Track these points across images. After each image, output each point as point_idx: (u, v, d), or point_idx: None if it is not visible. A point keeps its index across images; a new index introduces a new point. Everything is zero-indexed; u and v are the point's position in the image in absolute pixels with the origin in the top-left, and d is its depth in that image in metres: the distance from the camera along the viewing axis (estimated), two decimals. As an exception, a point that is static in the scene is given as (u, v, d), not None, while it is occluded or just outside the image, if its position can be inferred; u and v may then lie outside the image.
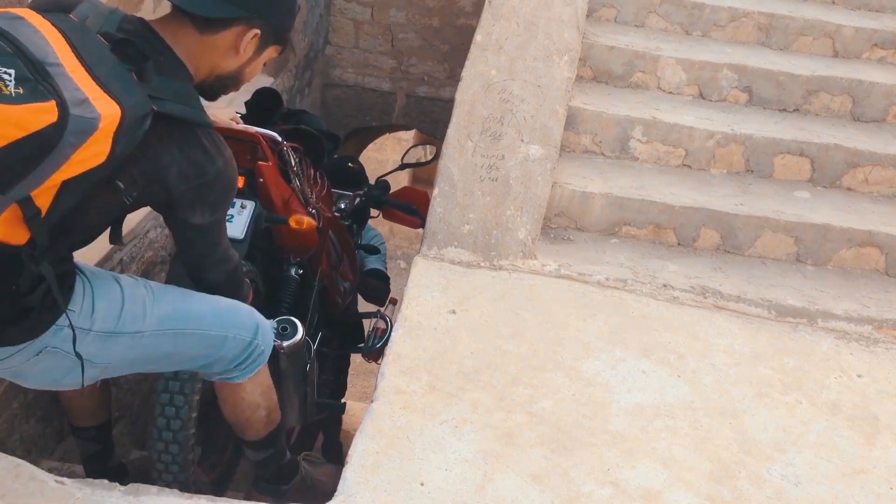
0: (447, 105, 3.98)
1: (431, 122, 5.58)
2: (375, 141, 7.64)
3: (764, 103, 3.24)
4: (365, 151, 6.92)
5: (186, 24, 1.47)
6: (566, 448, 1.85)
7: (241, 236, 1.88)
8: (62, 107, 1.19)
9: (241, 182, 1.72)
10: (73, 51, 1.26)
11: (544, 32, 2.88)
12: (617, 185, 2.79)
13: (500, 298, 2.33)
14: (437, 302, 2.27)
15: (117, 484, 1.63)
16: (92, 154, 1.27)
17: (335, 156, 2.81)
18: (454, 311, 2.25)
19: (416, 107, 5.56)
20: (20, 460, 1.62)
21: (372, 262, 3.16)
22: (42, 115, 1.18)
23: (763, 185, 2.95)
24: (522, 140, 2.64)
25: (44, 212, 1.31)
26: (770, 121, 3.13)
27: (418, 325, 2.17)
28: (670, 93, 3.25)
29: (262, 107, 2.55)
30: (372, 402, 1.91)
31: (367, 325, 2.89)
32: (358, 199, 2.81)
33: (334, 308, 2.70)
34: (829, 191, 2.98)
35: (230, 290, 1.72)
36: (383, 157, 11.27)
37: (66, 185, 1.30)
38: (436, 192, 2.56)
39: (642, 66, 3.24)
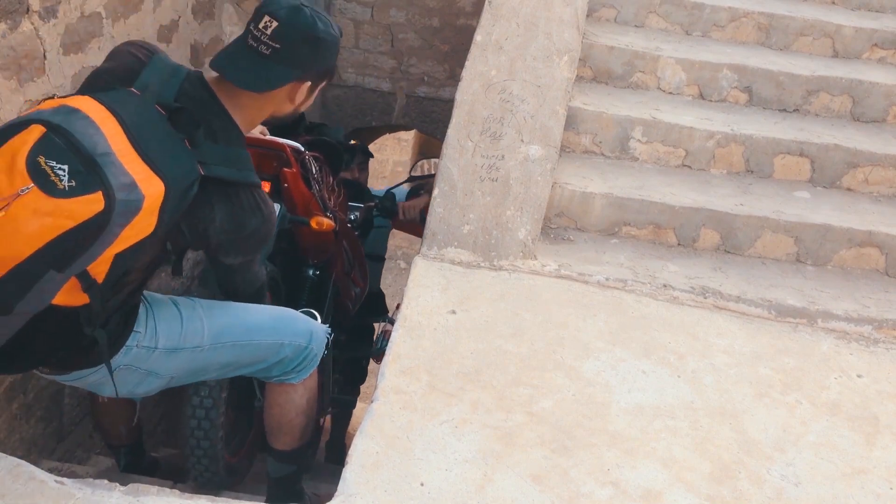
0: (447, 105, 3.98)
1: (431, 122, 5.58)
2: (375, 141, 7.64)
3: (764, 103, 3.24)
4: (365, 151, 6.91)
5: (241, 91, 1.63)
6: (566, 448, 1.85)
7: None
8: (108, 196, 1.36)
9: (267, 187, 1.88)
10: (125, 133, 1.43)
11: (544, 32, 2.88)
12: (617, 185, 2.79)
13: (500, 298, 2.33)
14: (437, 302, 2.27)
15: (117, 484, 1.62)
16: (140, 229, 1.43)
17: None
18: (454, 311, 2.25)
19: (416, 107, 5.56)
20: (20, 460, 1.62)
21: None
22: (91, 205, 1.35)
23: (763, 185, 2.95)
24: (522, 140, 2.64)
25: (100, 280, 1.48)
26: (770, 121, 3.12)
27: (418, 325, 2.17)
28: (670, 93, 3.25)
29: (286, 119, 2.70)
30: (372, 402, 1.91)
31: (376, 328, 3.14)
32: (370, 211, 3.04)
33: (345, 312, 2.83)
34: (829, 191, 2.98)
35: (253, 301, 1.91)
36: (383, 157, 11.28)
37: (119, 256, 1.46)
38: (436, 192, 2.56)
39: (642, 67, 3.24)
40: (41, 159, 1.34)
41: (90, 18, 2.79)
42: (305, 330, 1.97)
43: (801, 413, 2.07)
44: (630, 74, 3.25)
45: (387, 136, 9.13)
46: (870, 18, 3.61)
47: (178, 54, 3.55)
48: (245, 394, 2.38)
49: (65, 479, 1.60)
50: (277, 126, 2.65)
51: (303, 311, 2.19)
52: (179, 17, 3.51)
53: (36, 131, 1.37)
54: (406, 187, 3.38)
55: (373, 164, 11.60)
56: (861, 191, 3.00)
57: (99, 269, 1.46)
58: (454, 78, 4.98)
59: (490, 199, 2.55)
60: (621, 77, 3.25)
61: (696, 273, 2.61)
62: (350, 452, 1.75)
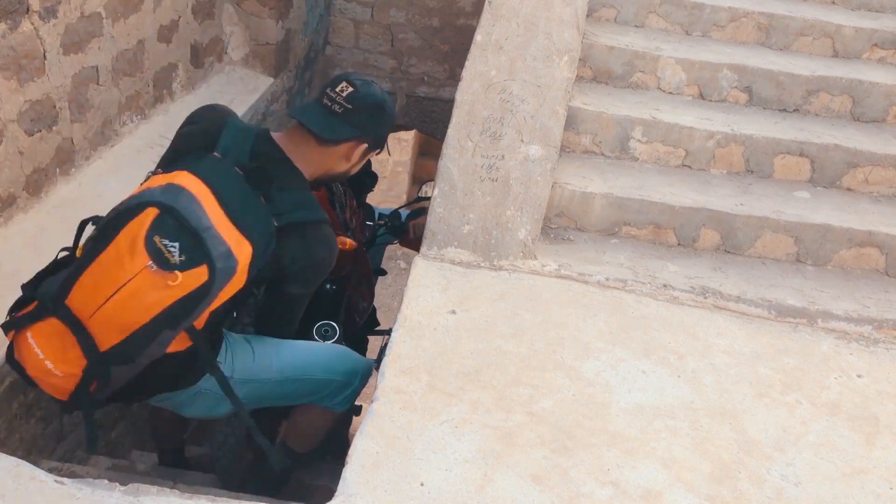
0: (447, 105, 3.98)
1: (431, 122, 5.58)
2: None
3: (764, 103, 3.24)
4: (365, 151, 6.91)
5: (310, 138, 1.92)
6: (566, 448, 1.85)
7: None
8: (212, 267, 1.63)
9: None
10: (218, 202, 1.70)
11: (544, 32, 2.88)
12: (617, 185, 2.79)
13: (500, 298, 2.33)
14: (437, 302, 2.27)
15: (117, 484, 1.63)
16: (233, 286, 1.72)
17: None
18: (454, 311, 2.25)
19: (416, 107, 5.55)
20: (20, 460, 1.62)
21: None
22: (198, 277, 1.63)
23: (763, 185, 2.95)
24: (522, 140, 2.64)
25: (199, 326, 1.76)
26: (770, 121, 3.12)
27: (418, 325, 2.17)
28: (670, 93, 3.25)
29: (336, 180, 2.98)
30: (372, 402, 1.91)
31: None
32: (378, 229, 3.18)
33: (353, 325, 2.95)
34: (829, 191, 2.98)
35: (286, 332, 2.15)
36: (383, 156, 11.24)
37: (216, 308, 1.74)
38: (436, 192, 2.56)
39: (642, 66, 3.24)
40: (157, 239, 1.61)
41: (90, 18, 2.79)
42: (354, 370, 2.27)
43: (801, 413, 2.07)
44: (630, 74, 3.25)
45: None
46: (870, 18, 3.61)
47: (177, 54, 3.55)
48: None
49: (65, 479, 1.60)
50: None
51: (321, 324, 2.46)
52: (179, 17, 3.51)
53: (151, 214, 1.64)
54: (406, 209, 3.46)
55: (373, 164, 11.59)
56: (861, 191, 3.00)
57: (200, 320, 1.75)
58: (454, 78, 4.98)
59: (490, 199, 2.55)
60: (621, 77, 3.25)
61: (696, 273, 2.61)
62: (350, 452, 1.75)
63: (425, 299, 2.28)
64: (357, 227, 2.80)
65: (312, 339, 2.45)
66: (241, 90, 4.02)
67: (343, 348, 2.33)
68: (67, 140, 2.78)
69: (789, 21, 3.48)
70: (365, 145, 2.00)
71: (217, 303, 1.72)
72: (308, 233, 1.87)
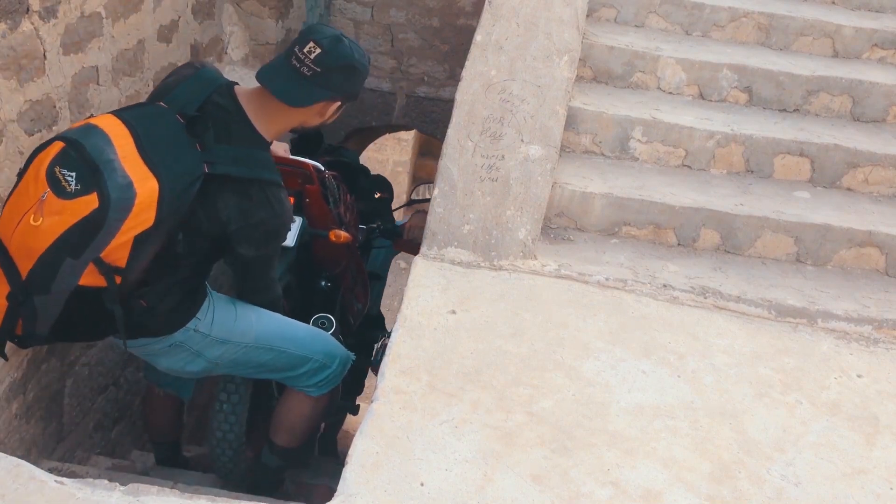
0: (447, 105, 3.98)
1: (431, 122, 5.58)
2: (375, 141, 7.65)
3: (764, 103, 3.23)
4: (365, 151, 6.92)
5: (278, 101, 1.88)
6: (566, 448, 1.85)
7: (292, 244, 2.25)
8: (103, 196, 1.65)
9: (291, 201, 2.06)
10: (135, 142, 1.72)
11: (544, 32, 2.88)
12: (617, 185, 2.79)
13: (500, 298, 2.33)
14: (437, 302, 2.27)
15: (117, 484, 1.63)
16: (139, 221, 1.71)
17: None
18: (454, 311, 2.25)
19: (416, 107, 5.55)
20: (20, 460, 1.62)
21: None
22: (88, 204, 1.65)
23: (763, 185, 2.95)
24: (522, 140, 2.64)
25: (122, 264, 1.75)
26: (770, 121, 3.12)
27: (418, 325, 2.17)
28: (670, 93, 3.25)
29: (306, 141, 3.03)
30: (372, 402, 1.91)
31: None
32: (372, 232, 3.21)
33: (347, 326, 3.01)
34: (829, 191, 2.98)
35: (268, 309, 2.17)
36: (383, 157, 11.28)
37: (135, 244, 1.73)
38: (436, 192, 2.56)
39: (642, 66, 3.24)
40: (57, 169, 1.67)
41: (90, 18, 2.79)
42: (332, 353, 2.30)
43: (801, 413, 2.07)
44: (630, 74, 3.25)
45: (387, 136, 9.12)
46: (870, 18, 3.61)
47: (177, 54, 3.55)
48: (264, 395, 2.66)
49: (65, 479, 1.60)
50: (300, 147, 2.93)
51: (318, 316, 2.53)
52: (179, 17, 3.51)
53: (57, 146, 1.70)
54: (404, 211, 3.47)
55: (373, 164, 11.62)
56: (861, 191, 3.00)
57: (117, 255, 1.73)
58: (454, 78, 4.97)
59: (490, 199, 2.55)
60: (621, 77, 3.25)
61: (696, 273, 2.61)
62: (350, 452, 1.75)
63: (425, 299, 2.28)
64: (351, 222, 2.82)
65: None
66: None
67: (326, 333, 2.35)
68: (67, 140, 2.78)
69: (789, 21, 3.48)
70: (338, 102, 1.98)
71: (126, 236, 1.70)
72: (248, 191, 1.85)
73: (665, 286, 2.49)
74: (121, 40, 3.03)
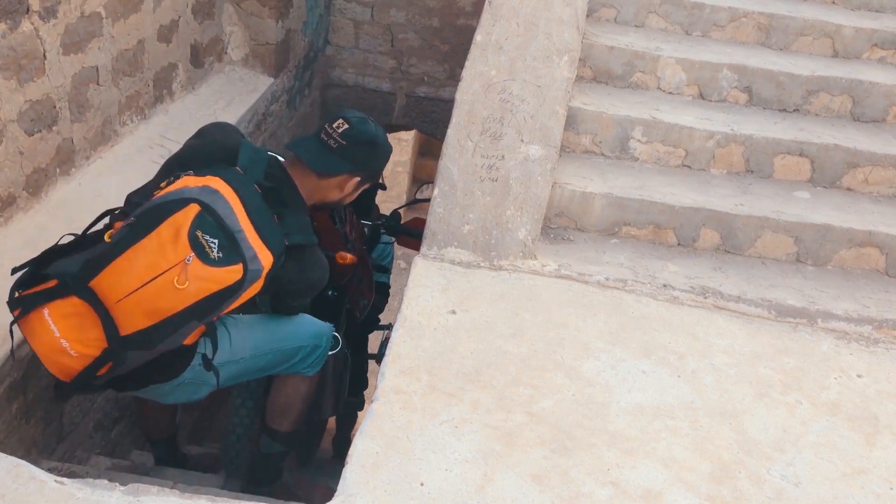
0: (447, 105, 3.98)
1: (431, 122, 5.58)
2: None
3: (764, 103, 3.24)
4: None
5: (309, 172, 2.07)
6: (566, 448, 1.85)
7: None
8: (245, 267, 1.78)
9: None
10: (245, 212, 1.83)
11: (544, 32, 2.88)
12: (617, 185, 2.79)
13: (500, 298, 2.33)
14: (437, 302, 2.27)
15: (117, 484, 1.63)
16: (253, 290, 1.85)
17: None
18: (454, 311, 2.25)
19: (416, 107, 5.55)
20: (20, 460, 1.62)
21: (378, 278, 3.41)
22: (234, 274, 1.78)
23: (763, 185, 2.95)
24: (522, 140, 2.64)
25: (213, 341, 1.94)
26: (770, 121, 3.12)
27: (418, 325, 2.17)
28: (670, 93, 3.25)
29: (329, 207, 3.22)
30: (372, 402, 1.91)
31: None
32: (375, 227, 3.30)
33: (353, 321, 3.09)
34: (829, 191, 2.98)
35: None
36: (383, 158, 11.24)
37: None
38: (436, 192, 2.56)
39: (642, 66, 3.24)
40: (199, 233, 1.75)
41: (90, 18, 2.79)
42: (317, 332, 2.37)
43: (801, 413, 2.07)
44: (630, 74, 3.25)
45: (385, 135, 9.10)
46: (870, 18, 3.61)
47: (177, 54, 3.55)
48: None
49: (65, 479, 1.60)
50: None
51: None
52: (179, 17, 3.51)
53: (194, 209, 1.78)
54: (403, 211, 3.55)
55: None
56: (861, 191, 3.00)
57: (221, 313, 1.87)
58: (454, 78, 4.98)
59: (490, 198, 2.55)
60: (621, 77, 3.25)
61: (696, 273, 2.61)
62: (350, 452, 1.75)
63: (425, 299, 2.28)
64: (356, 239, 2.92)
65: None
66: (240, 90, 4.02)
67: (305, 315, 2.41)
68: (67, 140, 2.78)
69: (789, 21, 3.48)
70: (358, 178, 2.15)
71: (237, 303, 1.84)
72: (306, 255, 2.02)
73: (665, 286, 2.49)
74: (121, 40, 3.03)
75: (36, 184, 2.64)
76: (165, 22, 3.38)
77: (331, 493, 1.68)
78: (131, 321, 1.74)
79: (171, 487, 1.85)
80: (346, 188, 2.14)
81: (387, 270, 3.52)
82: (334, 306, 2.91)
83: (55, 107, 2.67)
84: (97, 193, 2.81)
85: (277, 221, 1.92)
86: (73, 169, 2.85)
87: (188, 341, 1.91)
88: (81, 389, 1.86)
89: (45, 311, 1.74)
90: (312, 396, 2.49)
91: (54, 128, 2.68)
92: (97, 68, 2.89)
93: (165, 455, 2.79)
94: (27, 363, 2.29)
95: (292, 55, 4.58)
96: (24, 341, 1.83)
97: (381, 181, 2.52)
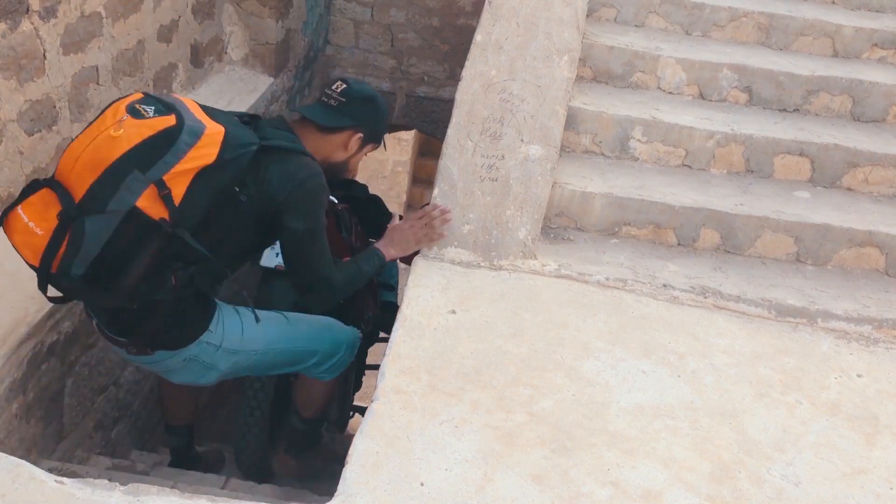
0: (447, 105, 3.98)
1: (431, 122, 5.58)
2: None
3: (764, 103, 3.24)
4: (365, 151, 6.91)
5: (311, 126, 2.18)
6: (566, 448, 1.85)
7: (272, 266, 2.45)
8: (179, 118, 1.83)
9: None
10: (202, 109, 1.94)
11: (544, 32, 2.88)
12: (617, 185, 2.79)
13: (500, 298, 2.33)
14: (437, 302, 2.27)
15: (117, 484, 1.63)
16: (204, 154, 1.84)
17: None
18: (454, 311, 2.25)
19: (416, 107, 5.55)
20: (20, 460, 1.62)
21: (386, 297, 3.47)
22: (166, 122, 1.83)
23: (763, 185, 2.95)
24: (522, 140, 2.64)
25: (177, 200, 1.83)
26: (770, 121, 3.12)
27: (418, 325, 2.17)
28: (670, 93, 3.25)
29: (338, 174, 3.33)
30: (372, 402, 1.91)
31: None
32: None
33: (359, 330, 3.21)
34: (829, 191, 2.98)
35: (327, 307, 2.42)
36: (383, 156, 11.28)
37: (194, 181, 1.84)
38: (436, 192, 2.56)
39: (642, 66, 3.24)
40: (137, 105, 1.86)
41: (90, 18, 2.79)
42: (338, 340, 2.47)
43: (801, 413, 2.07)
44: (630, 74, 3.25)
45: (387, 136, 9.11)
46: (870, 18, 3.61)
47: (177, 54, 3.55)
48: (282, 402, 2.94)
49: (65, 479, 1.60)
50: None
51: None
52: (179, 16, 3.51)
53: (137, 95, 1.92)
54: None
55: (373, 163, 11.58)
56: (861, 190, 3.00)
57: (177, 187, 1.83)
58: (454, 78, 4.97)
59: (490, 198, 2.55)
60: (621, 77, 3.25)
61: (696, 273, 2.61)
62: (350, 452, 1.75)
63: (425, 299, 2.28)
64: (361, 248, 2.98)
65: None
66: (240, 90, 4.02)
67: (329, 319, 2.50)
68: (67, 140, 2.78)
69: (789, 21, 3.48)
70: (360, 135, 2.23)
71: (188, 164, 1.82)
72: (289, 159, 2.05)
73: (665, 286, 2.49)
74: (121, 40, 3.03)
75: (36, 184, 2.64)
76: (165, 22, 3.38)
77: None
78: (82, 183, 1.80)
79: (171, 487, 1.85)
80: (350, 146, 2.23)
81: (393, 289, 3.56)
82: (340, 315, 2.99)
83: (55, 107, 2.67)
84: (97, 193, 2.81)
85: (253, 132, 2.01)
86: (73, 169, 2.85)
87: (146, 205, 1.81)
88: (64, 280, 1.84)
89: (19, 209, 1.86)
90: (328, 394, 2.70)
91: (54, 128, 2.68)
92: (97, 68, 2.89)
93: (181, 444, 2.88)
94: (27, 363, 2.29)
95: (292, 55, 4.58)
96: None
97: (383, 144, 2.54)
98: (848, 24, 3.48)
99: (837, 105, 3.24)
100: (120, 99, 1.92)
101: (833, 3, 3.72)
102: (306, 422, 2.81)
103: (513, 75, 2.76)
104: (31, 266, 1.86)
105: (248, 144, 1.94)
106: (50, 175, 1.93)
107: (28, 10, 2.43)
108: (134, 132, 1.80)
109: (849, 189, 3.00)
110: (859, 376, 2.24)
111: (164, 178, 1.81)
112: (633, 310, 2.37)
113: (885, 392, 2.18)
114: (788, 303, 2.48)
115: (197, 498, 1.62)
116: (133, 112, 1.84)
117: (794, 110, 3.24)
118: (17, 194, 2.54)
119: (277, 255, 2.87)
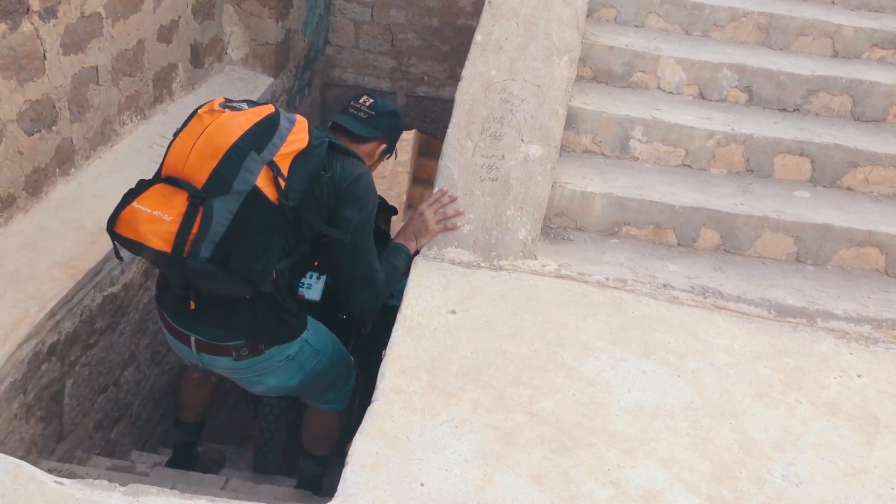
0: (447, 105, 3.98)
1: (431, 121, 5.58)
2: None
3: (764, 103, 3.24)
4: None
5: (345, 135, 2.33)
6: (566, 448, 1.85)
7: (318, 298, 2.42)
8: (276, 108, 2.03)
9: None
10: None
11: (544, 32, 2.88)
12: (617, 185, 2.79)
13: (500, 298, 2.33)
14: (437, 302, 2.27)
15: (117, 484, 1.63)
16: (299, 139, 2.00)
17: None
18: (454, 311, 2.25)
19: (416, 107, 5.55)
20: (20, 460, 1.62)
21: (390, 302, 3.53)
22: (267, 109, 2.01)
23: (763, 185, 2.95)
24: (522, 140, 2.64)
25: (283, 182, 1.96)
26: (770, 121, 3.12)
27: (418, 325, 2.17)
28: (670, 93, 3.25)
29: None
30: (372, 402, 1.91)
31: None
32: None
33: (359, 337, 3.27)
34: (829, 191, 2.98)
35: (376, 304, 2.33)
36: (383, 156, 11.25)
37: (293, 164, 1.99)
38: (436, 192, 2.56)
39: (642, 66, 3.24)
40: (228, 102, 2.01)
41: (90, 18, 2.79)
42: (351, 366, 2.60)
43: (801, 413, 2.07)
44: (630, 74, 3.25)
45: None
46: (870, 18, 3.61)
47: (177, 54, 3.55)
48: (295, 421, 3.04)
49: (65, 480, 1.60)
50: None
51: None
52: (179, 17, 3.51)
53: (220, 99, 2.04)
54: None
55: (373, 164, 11.53)
56: (861, 190, 3.00)
57: (283, 166, 1.97)
58: (454, 78, 4.97)
59: (490, 198, 2.55)
60: (621, 77, 3.25)
61: (696, 273, 2.61)
62: (350, 452, 1.75)
63: (425, 299, 2.28)
64: None
65: None
66: (240, 90, 4.02)
67: (343, 349, 2.57)
68: (67, 140, 2.78)
69: (789, 21, 3.48)
70: (385, 145, 2.42)
71: (290, 149, 1.97)
72: (348, 157, 2.19)
73: (665, 286, 2.49)
74: (121, 40, 3.04)
75: (36, 184, 2.64)
76: (165, 22, 3.38)
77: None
78: (202, 170, 1.90)
79: (171, 488, 1.85)
80: (374, 155, 2.41)
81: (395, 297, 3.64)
82: (344, 328, 3.12)
83: (55, 107, 2.67)
84: (97, 193, 2.82)
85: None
86: (73, 169, 2.85)
87: (263, 184, 1.93)
88: (195, 263, 1.90)
89: (135, 203, 1.93)
90: (338, 429, 2.73)
91: (54, 128, 2.68)
92: (97, 68, 2.89)
93: (188, 441, 2.92)
94: (27, 363, 2.29)
95: (292, 55, 4.58)
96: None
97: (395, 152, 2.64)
98: (848, 24, 3.48)
99: (837, 105, 3.24)
100: (203, 104, 2.05)
101: (833, 3, 3.72)
102: (318, 461, 2.80)
103: (513, 75, 2.76)
104: (158, 255, 1.92)
105: (322, 137, 2.10)
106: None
107: (28, 10, 2.43)
108: (243, 119, 1.95)
109: (849, 189, 3.00)
110: (859, 376, 2.24)
111: (274, 159, 1.95)
112: (633, 310, 2.36)
113: (885, 392, 2.18)
114: (788, 303, 2.48)
115: (197, 498, 1.62)
116: (229, 107, 1.99)
117: (795, 110, 3.24)
118: (17, 195, 2.55)
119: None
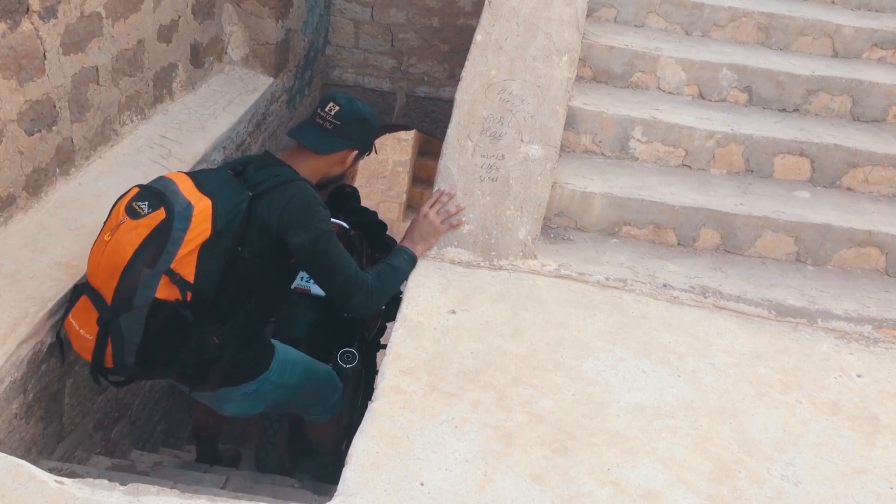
0: (447, 105, 3.98)
1: (431, 122, 5.58)
2: (375, 141, 7.63)
3: (764, 103, 3.24)
4: (365, 151, 6.91)
5: (309, 152, 2.28)
6: (566, 448, 1.85)
7: (324, 293, 2.46)
8: (169, 209, 2.00)
9: None
10: (193, 182, 2.09)
11: (544, 32, 2.88)
12: (617, 185, 2.79)
13: (500, 298, 2.33)
14: (437, 302, 2.27)
15: (117, 484, 1.63)
16: (199, 232, 2.02)
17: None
18: (454, 311, 2.25)
19: (416, 107, 5.55)
20: (20, 460, 1.62)
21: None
22: (158, 217, 2.00)
23: (763, 185, 2.95)
24: (522, 140, 2.64)
25: (191, 279, 2.03)
26: (770, 121, 3.12)
27: (418, 325, 2.17)
28: (670, 93, 3.25)
29: (336, 199, 3.62)
30: (372, 401, 1.91)
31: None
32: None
33: (364, 340, 3.42)
34: (829, 191, 2.98)
35: (374, 306, 2.30)
36: (383, 156, 11.28)
37: (199, 257, 2.03)
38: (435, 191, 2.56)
39: (642, 66, 3.24)
40: (134, 203, 2.04)
41: (90, 18, 2.79)
42: (335, 380, 2.71)
43: (801, 413, 2.07)
44: (630, 74, 3.25)
45: (387, 136, 9.12)
46: (870, 18, 3.61)
47: (177, 54, 3.55)
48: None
49: (65, 479, 1.60)
50: (330, 206, 3.35)
51: (343, 351, 2.98)
52: (179, 17, 3.51)
53: (134, 190, 2.10)
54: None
55: (373, 163, 11.57)
56: (861, 190, 3.00)
57: (186, 268, 2.02)
58: (454, 78, 4.97)
59: (490, 198, 2.55)
60: (621, 77, 3.25)
61: (696, 273, 2.61)
62: (350, 452, 1.75)
63: (425, 299, 2.28)
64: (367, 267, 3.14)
65: (336, 363, 2.92)
66: (240, 90, 4.02)
67: (324, 365, 2.71)
68: (67, 140, 2.78)
69: (789, 21, 3.48)
70: (355, 151, 2.35)
71: (188, 247, 2.00)
72: (279, 188, 2.15)
73: (665, 286, 2.49)
74: (121, 40, 3.03)
75: (36, 184, 2.64)
76: (165, 22, 3.38)
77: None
78: (107, 289, 2.02)
79: (171, 487, 1.85)
80: (346, 162, 2.35)
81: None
82: (349, 328, 3.22)
83: (55, 107, 2.67)
84: (97, 193, 2.81)
85: (241, 183, 2.14)
86: (73, 169, 2.85)
87: (165, 294, 2.02)
88: (123, 370, 2.10)
89: (70, 317, 2.12)
90: (335, 432, 2.95)
91: (54, 128, 2.68)
92: (97, 68, 2.89)
93: (208, 450, 3.22)
94: (27, 363, 2.29)
95: (292, 55, 4.58)
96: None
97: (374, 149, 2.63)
98: (848, 24, 3.48)
99: (837, 105, 3.24)
100: (121, 198, 2.11)
101: (833, 3, 3.73)
102: (328, 452, 3.08)
103: (513, 75, 2.76)
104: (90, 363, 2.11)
105: (238, 205, 2.08)
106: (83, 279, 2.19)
107: (28, 10, 2.43)
108: (134, 235, 1.99)
109: (849, 189, 3.00)
110: (859, 376, 2.24)
111: (172, 266, 2.00)
112: (633, 310, 2.37)
113: (885, 392, 2.18)
114: (788, 303, 2.48)
115: (197, 498, 1.62)
116: (131, 212, 2.03)
117: (794, 110, 3.24)
118: (17, 195, 2.55)
119: (301, 277, 3.07)
